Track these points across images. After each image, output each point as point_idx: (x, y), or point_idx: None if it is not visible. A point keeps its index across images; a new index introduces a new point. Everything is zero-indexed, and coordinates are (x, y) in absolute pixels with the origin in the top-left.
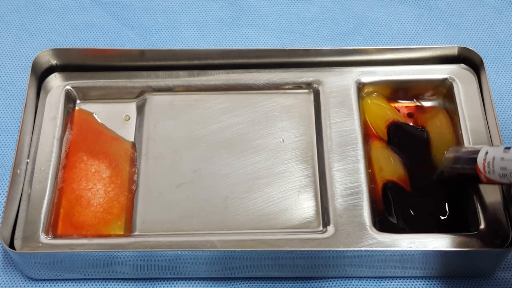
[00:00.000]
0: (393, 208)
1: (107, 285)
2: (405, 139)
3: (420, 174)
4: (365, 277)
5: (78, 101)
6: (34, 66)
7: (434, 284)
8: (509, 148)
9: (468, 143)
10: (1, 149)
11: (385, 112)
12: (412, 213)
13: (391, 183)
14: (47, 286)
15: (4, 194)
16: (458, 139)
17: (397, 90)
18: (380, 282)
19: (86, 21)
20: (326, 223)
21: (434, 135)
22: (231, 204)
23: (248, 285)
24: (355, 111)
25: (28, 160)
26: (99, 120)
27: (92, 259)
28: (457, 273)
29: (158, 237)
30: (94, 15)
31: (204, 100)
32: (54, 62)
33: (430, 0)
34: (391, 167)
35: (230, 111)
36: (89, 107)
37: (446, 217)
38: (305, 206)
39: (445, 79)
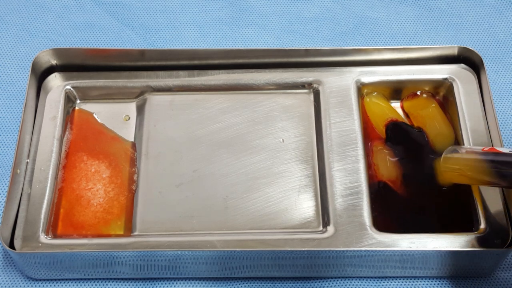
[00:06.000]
0: (384, 207)
1: (107, 285)
2: (403, 138)
3: (416, 174)
4: (365, 277)
5: (78, 101)
6: (34, 66)
7: (434, 284)
8: None
9: (468, 143)
10: (1, 149)
11: (383, 112)
12: (400, 213)
13: (382, 183)
14: (47, 286)
15: (4, 194)
16: (457, 138)
17: (397, 90)
18: (380, 282)
19: (86, 21)
20: (326, 223)
21: (432, 134)
22: (231, 204)
23: (248, 285)
24: (355, 111)
25: (28, 160)
26: (99, 120)
27: (92, 259)
28: (457, 273)
29: (158, 237)
30: (94, 15)
31: (204, 100)
32: (54, 62)
33: (430, 0)
34: (384, 168)
35: (230, 111)
36: (89, 107)
37: (442, 217)
38: (305, 206)
39: (445, 79)
